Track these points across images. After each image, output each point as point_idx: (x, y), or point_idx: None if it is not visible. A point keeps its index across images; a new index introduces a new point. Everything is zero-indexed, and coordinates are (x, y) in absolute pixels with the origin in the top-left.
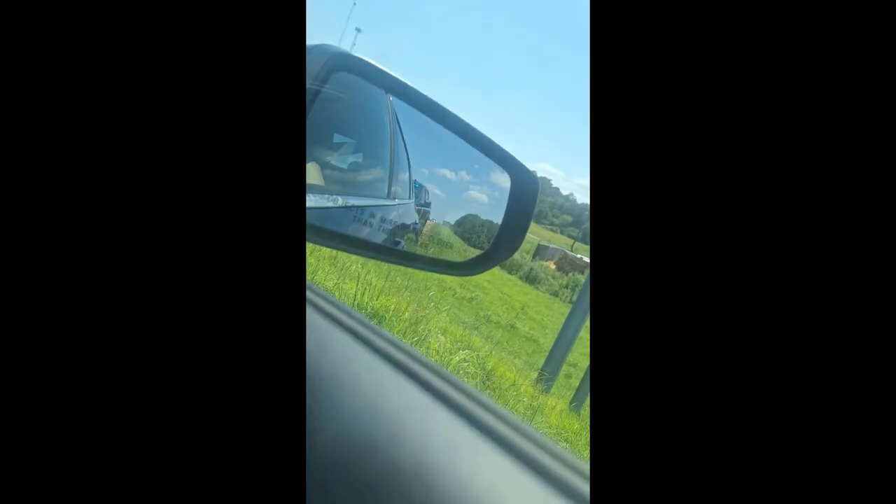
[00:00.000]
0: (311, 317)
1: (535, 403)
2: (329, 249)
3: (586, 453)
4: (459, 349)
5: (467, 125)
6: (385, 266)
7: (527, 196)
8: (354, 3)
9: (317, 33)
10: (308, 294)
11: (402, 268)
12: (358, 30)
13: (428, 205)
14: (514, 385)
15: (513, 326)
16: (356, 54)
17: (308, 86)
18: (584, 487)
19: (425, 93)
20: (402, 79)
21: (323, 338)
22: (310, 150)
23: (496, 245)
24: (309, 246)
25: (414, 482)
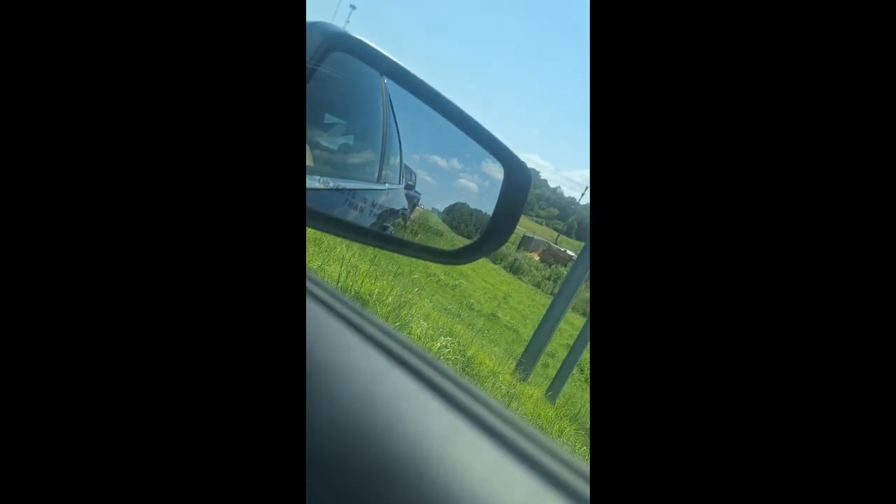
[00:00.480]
0: (306, 303)
1: (512, 391)
2: (313, 231)
3: (560, 441)
4: (441, 335)
5: (463, 113)
6: (370, 250)
7: (519, 188)
8: None
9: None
10: None
11: (389, 253)
12: (353, 7)
13: (412, 187)
14: (493, 373)
15: (494, 315)
16: (355, 35)
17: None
18: (577, 483)
19: (423, 78)
20: (401, 63)
21: (317, 325)
22: None
23: (486, 235)
24: None
25: (408, 471)
